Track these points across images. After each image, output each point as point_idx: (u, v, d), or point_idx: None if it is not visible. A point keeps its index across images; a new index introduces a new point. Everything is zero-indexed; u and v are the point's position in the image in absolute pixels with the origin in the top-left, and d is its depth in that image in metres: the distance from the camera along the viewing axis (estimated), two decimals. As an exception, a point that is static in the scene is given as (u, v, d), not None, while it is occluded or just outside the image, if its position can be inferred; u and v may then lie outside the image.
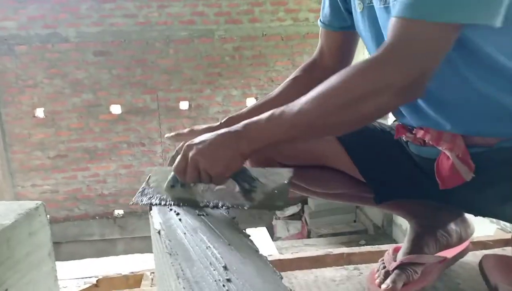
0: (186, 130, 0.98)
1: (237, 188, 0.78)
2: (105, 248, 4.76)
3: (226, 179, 0.75)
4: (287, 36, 4.95)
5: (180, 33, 4.79)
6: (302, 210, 5.08)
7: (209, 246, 0.58)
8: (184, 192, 0.78)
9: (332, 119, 0.68)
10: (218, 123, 0.96)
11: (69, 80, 4.72)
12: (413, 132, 0.86)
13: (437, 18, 0.60)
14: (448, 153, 0.78)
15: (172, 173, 0.77)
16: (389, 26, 0.65)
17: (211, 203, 0.75)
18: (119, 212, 5.07)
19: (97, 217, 5.04)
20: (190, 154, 0.72)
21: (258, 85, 5.00)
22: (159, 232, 0.63)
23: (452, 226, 0.99)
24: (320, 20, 1.00)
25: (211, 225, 0.65)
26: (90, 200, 5.01)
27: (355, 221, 4.94)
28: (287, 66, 4.93)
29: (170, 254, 0.56)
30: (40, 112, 4.75)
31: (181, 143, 0.98)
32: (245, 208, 0.75)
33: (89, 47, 4.68)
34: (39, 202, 0.77)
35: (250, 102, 4.86)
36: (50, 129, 4.78)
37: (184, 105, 4.93)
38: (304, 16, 4.92)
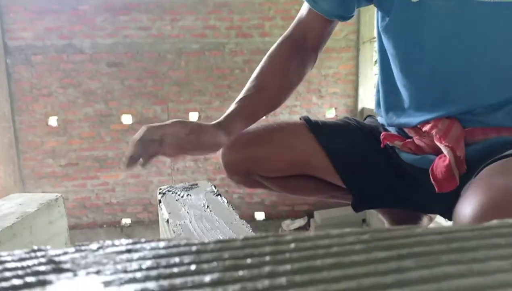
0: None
1: None
2: (112, 256, 4.80)
3: None
4: (296, 51, 5.04)
5: (191, 46, 4.90)
6: (308, 224, 5.10)
7: (212, 231, 0.64)
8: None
9: None
10: None
11: (82, 90, 4.84)
12: (419, 131, 0.82)
13: None
14: (446, 152, 0.73)
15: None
16: None
17: None
18: (126, 221, 5.13)
19: (104, 226, 5.11)
20: None
21: (267, 99, 5.06)
22: (167, 221, 0.69)
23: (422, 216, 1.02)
24: (313, 1, 0.86)
25: (214, 214, 0.71)
26: (99, 208, 5.08)
27: (360, 235, 4.93)
28: (296, 80, 5.00)
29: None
30: (53, 121, 4.87)
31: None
32: None
33: (103, 58, 4.81)
34: (58, 194, 0.84)
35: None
36: (62, 137, 4.89)
37: (193, 116, 5.02)
38: (313, 31, 5.01)
